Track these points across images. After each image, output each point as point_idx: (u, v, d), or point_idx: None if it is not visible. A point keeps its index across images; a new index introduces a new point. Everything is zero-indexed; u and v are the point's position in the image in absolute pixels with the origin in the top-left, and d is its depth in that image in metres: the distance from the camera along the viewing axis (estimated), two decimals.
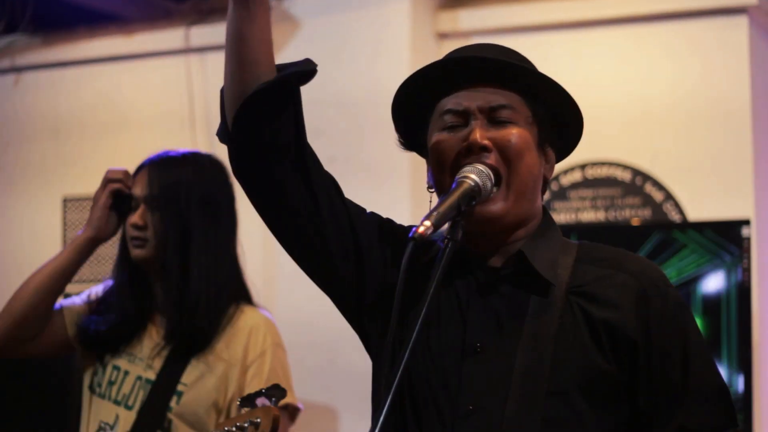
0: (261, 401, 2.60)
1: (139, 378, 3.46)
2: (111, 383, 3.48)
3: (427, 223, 2.02)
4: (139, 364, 3.48)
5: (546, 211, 2.36)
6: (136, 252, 3.48)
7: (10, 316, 3.48)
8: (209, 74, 5.97)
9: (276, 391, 2.60)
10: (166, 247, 3.45)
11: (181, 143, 5.82)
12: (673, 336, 2.21)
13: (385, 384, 1.96)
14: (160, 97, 6.13)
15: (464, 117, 2.25)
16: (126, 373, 3.48)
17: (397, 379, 1.95)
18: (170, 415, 3.38)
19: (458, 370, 2.20)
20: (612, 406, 2.19)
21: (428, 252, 2.35)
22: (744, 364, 4.64)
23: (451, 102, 2.26)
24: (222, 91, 2.31)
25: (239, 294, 3.55)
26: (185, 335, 3.41)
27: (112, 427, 3.43)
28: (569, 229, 5.00)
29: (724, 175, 5.18)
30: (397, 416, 2.22)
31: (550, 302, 2.20)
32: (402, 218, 5.14)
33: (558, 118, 2.31)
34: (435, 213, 2.05)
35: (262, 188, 2.29)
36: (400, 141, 2.42)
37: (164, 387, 3.41)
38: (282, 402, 3.29)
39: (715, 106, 5.23)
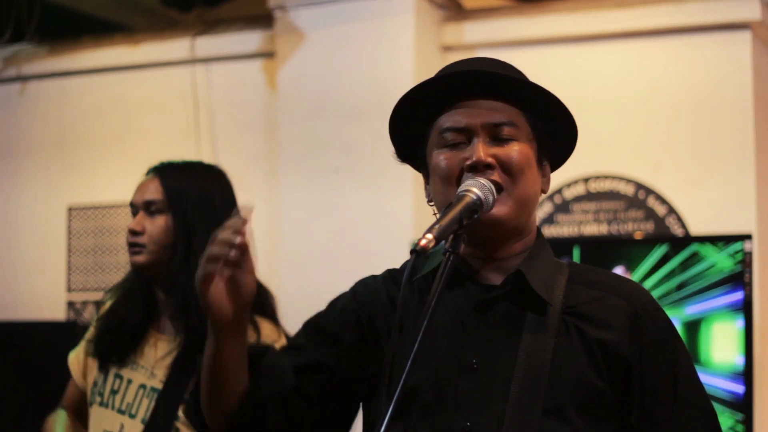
0: None
1: (143, 386, 3.45)
2: (114, 392, 3.48)
3: (429, 236, 2.02)
4: (141, 373, 3.47)
5: (539, 230, 2.37)
6: (133, 259, 3.49)
7: None
8: (214, 84, 5.99)
9: None
10: (171, 252, 3.45)
11: (185, 152, 5.84)
12: (664, 359, 2.22)
13: (387, 394, 1.97)
14: (165, 107, 6.15)
15: (466, 134, 2.24)
16: (129, 381, 3.47)
17: (399, 389, 1.95)
18: (178, 424, 3.39)
19: (455, 387, 2.20)
20: (606, 424, 2.19)
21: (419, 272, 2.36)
22: (746, 378, 4.65)
23: (451, 120, 2.25)
24: (196, 393, 2.35)
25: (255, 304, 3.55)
26: (196, 339, 3.41)
27: None
28: (572, 242, 5.01)
29: (726, 189, 5.19)
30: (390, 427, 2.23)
31: (546, 321, 2.21)
32: (404, 228, 5.20)
33: (555, 131, 2.32)
34: (437, 226, 2.05)
35: None
36: (396, 154, 2.42)
37: (171, 396, 3.41)
38: None
39: (718, 120, 5.24)
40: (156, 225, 3.46)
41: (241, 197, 5.87)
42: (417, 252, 2.01)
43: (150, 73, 6.22)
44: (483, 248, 2.27)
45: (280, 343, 3.52)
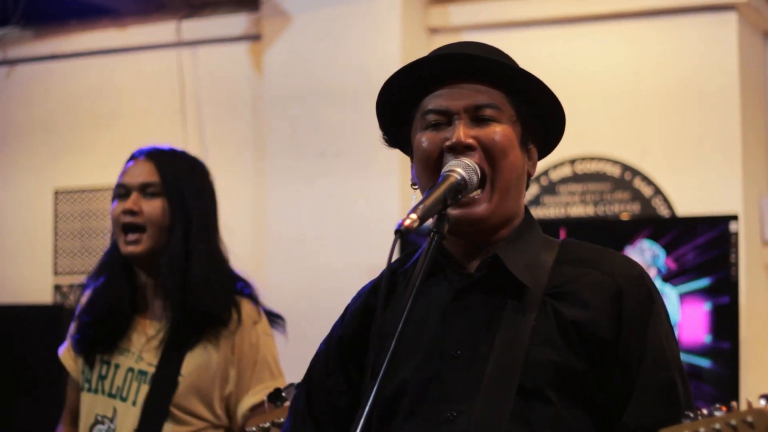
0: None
1: (131, 370, 3.45)
2: (102, 377, 3.48)
3: (413, 216, 2.02)
4: (128, 357, 3.47)
5: (527, 210, 2.36)
6: (129, 249, 3.43)
7: None
8: (200, 67, 5.99)
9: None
10: (167, 234, 3.44)
11: (172, 135, 5.84)
12: (638, 335, 2.19)
13: (371, 375, 1.97)
14: (151, 90, 6.14)
15: (447, 116, 2.24)
16: (116, 366, 3.47)
17: (381, 373, 1.95)
18: (171, 407, 3.40)
19: (438, 378, 2.20)
20: (588, 405, 2.19)
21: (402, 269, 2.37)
22: (732, 359, 4.66)
23: (433, 101, 2.26)
24: None
25: (234, 285, 3.57)
26: (187, 317, 3.41)
27: (111, 420, 3.44)
28: (558, 224, 5.02)
29: (713, 170, 5.20)
30: (378, 424, 2.23)
31: (526, 304, 2.20)
32: (391, 211, 5.21)
33: (541, 115, 2.31)
34: (421, 206, 2.05)
35: None
36: (384, 138, 2.42)
37: (165, 378, 3.41)
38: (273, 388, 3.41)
39: (705, 101, 5.25)
40: (153, 207, 3.44)
41: (228, 180, 5.88)
42: (401, 232, 2.01)
43: (136, 57, 6.21)
44: (467, 237, 2.27)
45: (261, 323, 3.53)
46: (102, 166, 6.06)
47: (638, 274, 2.25)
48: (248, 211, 5.81)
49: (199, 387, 3.41)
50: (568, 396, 2.16)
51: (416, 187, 2.31)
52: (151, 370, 3.43)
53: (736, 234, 4.70)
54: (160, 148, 3.58)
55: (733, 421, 1.85)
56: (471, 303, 2.23)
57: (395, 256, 2.15)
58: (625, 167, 5.36)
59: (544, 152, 2.38)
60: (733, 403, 1.88)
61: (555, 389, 2.15)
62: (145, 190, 3.45)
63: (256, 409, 3.43)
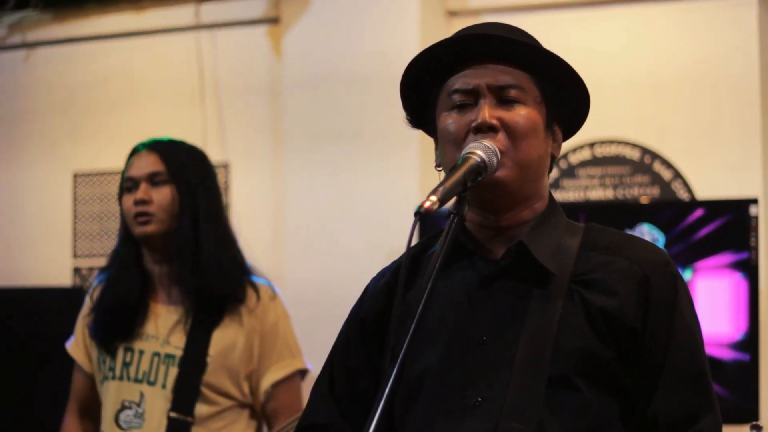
0: None
1: (157, 354, 3.50)
2: (126, 365, 3.52)
3: (433, 198, 2.02)
4: (152, 342, 3.53)
5: (551, 195, 2.36)
6: (141, 229, 3.52)
7: None
8: (219, 51, 5.98)
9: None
10: (177, 220, 3.50)
11: (190, 118, 5.85)
12: (663, 320, 2.19)
13: (391, 356, 1.97)
14: (170, 73, 6.14)
15: (473, 96, 2.24)
16: (141, 352, 3.53)
17: (401, 355, 1.95)
18: (202, 388, 3.45)
19: (463, 364, 2.20)
20: (616, 393, 2.18)
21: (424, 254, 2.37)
22: (751, 344, 4.65)
23: (459, 81, 2.26)
24: None
25: (245, 265, 3.64)
26: (205, 300, 3.47)
27: (138, 404, 3.48)
28: (577, 208, 5.00)
29: (732, 153, 5.18)
30: (400, 407, 2.23)
31: (552, 291, 2.20)
32: (410, 193, 5.20)
33: (565, 97, 2.31)
34: (441, 188, 2.05)
35: None
36: (407, 119, 2.42)
37: (193, 359, 3.46)
38: (294, 368, 3.56)
39: (725, 84, 5.22)
40: (163, 194, 3.52)
41: (246, 162, 5.88)
42: (421, 214, 2.01)
43: (155, 40, 6.21)
44: (489, 214, 2.26)
45: (278, 300, 3.59)
46: (121, 149, 6.02)
47: (664, 261, 2.25)
48: (267, 193, 5.81)
49: (227, 366, 3.48)
50: (595, 383, 2.16)
51: (440, 169, 2.31)
52: (179, 353, 3.48)
53: (756, 217, 4.68)
54: (160, 140, 3.66)
55: None
56: (497, 290, 2.23)
57: (415, 239, 2.15)
58: (645, 150, 5.34)
59: (568, 134, 2.37)
60: None
61: (583, 377, 2.15)
62: (152, 179, 3.55)
63: (278, 385, 3.50)
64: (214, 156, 5.81)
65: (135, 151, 3.64)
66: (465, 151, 2.16)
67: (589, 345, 2.16)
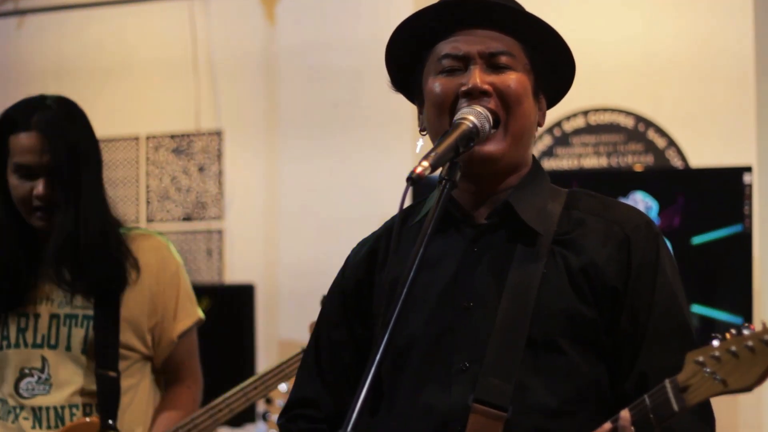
0: None
1: (55, 316, 3.39)
2: (22, 330, 3.40)
3: (425, 163, 2.01)
4: (48, 304, 3.39)
5: (535, 158, 2.35)
6: (41, 224, 3.37)
7: None
8: (212, 19, 5.96)
9: None
10: (64, 204, 3.34)
11: (183, 87, 5.83)
12: (645, 279, 2.19)
13: (381, 323, 1.97)
14: (163, 41, 6.12)
15: (463, 61, 2.23)
16: (37, 316, 3.39)
17: (392, 321, 1.94)
18: (121, 349, 3.38)
19: (451, 330, 2.20)
20: (600, 353, 2.19)
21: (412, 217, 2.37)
22: (745, 312, 4.66)
23: (449, 46, 2.25)
24: None
25: (118, 221, 3.50)
26: (91, 285, 3.37)
27: (41, 370, 3.38)
28: (571, 175, 5.00)
29: (726, 122, 5.18)
30: (389, 375, 2.23)
31: (536, 251, 2.20)
32: (402, 162, 5.20)
33: (553, 64, 2.30)
34: (433, 154, 2.04)
35: None
36: (391, 82, 2.41)
37: (106, 321, 3.37)
38: (197, 317, 3.52)
39: (719, 53, 5.22)
40: (58, 187, 3.36)
41: (240, 129, 5.87)
42: (413, 179, 2.00)
43: (149, 7, 6.19)
44: (477, 183, 2.26)
45: (172, 251, 3.50)
46: (114, 116, 6.06)
47: (645, 222, 2.26)
48: (261, 160, 5.81)
49: (133, 322, 3.40)
50: (579, 344, 2.16)
51: (425, 133, 2.30)
52: (82, 312, 3.37)
53: (750, 186, 4.69)
54: (45, 116, 3.51)
55: (766, 337, 1.84)
56: (482, 252, 2.23)
57: (407, 204, 2.14)
58: (639, 118, 5.34)
59: (552, 102, 2.37)
60: (765, 322, 1.87)
61: (566, 337, 2.15)
62: (51, 173, 3.35)
63: (184, 335, 3.46)
64: (207, 123, 5.82)
65: (26, 128, 3.46)
66: (457, 116, 2.16)
67: (573, 306, 2.16)
